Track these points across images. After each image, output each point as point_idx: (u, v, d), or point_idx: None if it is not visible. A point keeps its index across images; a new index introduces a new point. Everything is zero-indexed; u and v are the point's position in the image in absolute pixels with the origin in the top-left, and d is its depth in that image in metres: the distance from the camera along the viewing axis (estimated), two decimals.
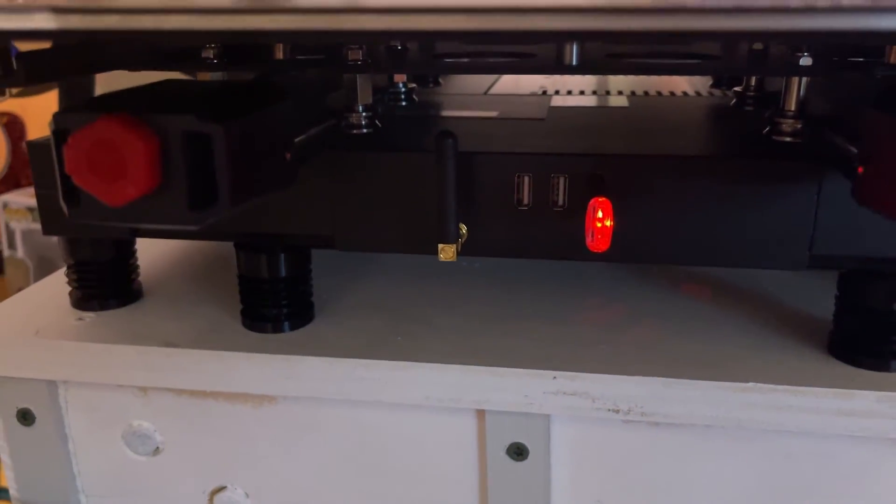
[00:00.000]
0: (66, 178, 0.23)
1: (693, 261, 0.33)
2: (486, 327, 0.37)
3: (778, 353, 0.34)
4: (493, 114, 0.42)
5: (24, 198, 1.06)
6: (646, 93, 0.50)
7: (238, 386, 0.36)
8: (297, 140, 0.28)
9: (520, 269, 0.42)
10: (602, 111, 0.43)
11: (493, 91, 0.51)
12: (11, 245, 0.99)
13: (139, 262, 0.41)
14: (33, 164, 0.34)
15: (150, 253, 0.46)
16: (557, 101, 0.46)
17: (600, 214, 0.28)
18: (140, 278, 0.41)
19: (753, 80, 0.40)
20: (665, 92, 0.50)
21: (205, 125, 0.22)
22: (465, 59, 0.32)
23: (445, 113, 0.43)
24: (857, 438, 0.33)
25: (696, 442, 0.34)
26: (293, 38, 0.29)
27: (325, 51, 0.34)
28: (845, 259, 0.32)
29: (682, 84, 0.54)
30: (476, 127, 0.39)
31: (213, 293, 0.41)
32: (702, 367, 0.33)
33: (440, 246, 0.32)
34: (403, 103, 0.43)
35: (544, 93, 0.49)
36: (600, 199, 0.28)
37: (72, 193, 0.23)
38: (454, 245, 0.32)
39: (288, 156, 0.27)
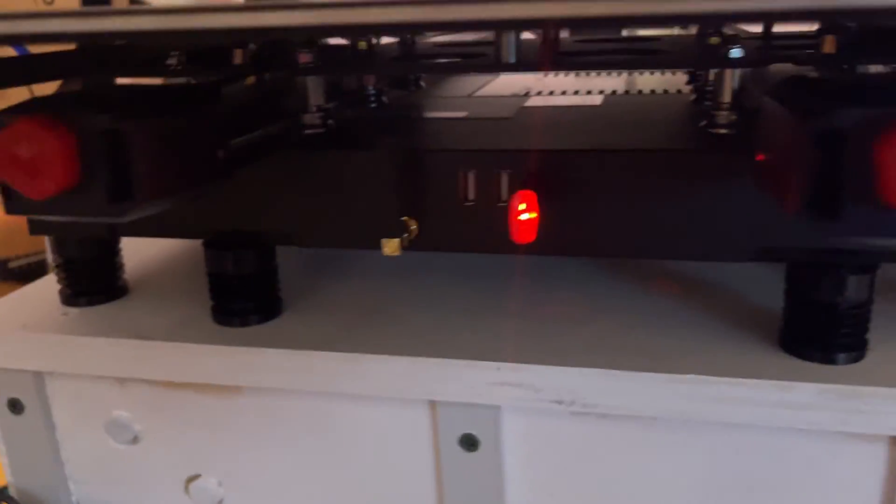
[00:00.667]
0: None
1: (635, 253, 0.34)
2: (444, 321, 0.37)
3: (729, 345, 0.34)
4: (462, 114, 0.43)
5: None
6: (627, 91, 0.50)
7: (204, 377, 0.37)
8: (234, 140, 0.30)
9: (485, 264, 0.43)
10: (570, 110, 0.43)
11: (479, 93, 0.52)
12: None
13: (126, 261, 0.44)
14: None
15: (141, 252, 0.48)
16: (534, 102, 0.47)
17: (522, 206, 0.29)
18: (126, 275, 0.44)
19: (711, 75, 0.40)
20: (647, 91, 0.50)
21: (120, 123, 0.24)
22: (412, 62, 0.34)
23: (412, 114, 0.44)
24: (806, 433, 0.32)
25: (643, 434, 0.34)
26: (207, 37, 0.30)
27: (278, 55, 0.35)
28: (789, 251, 0.32)
29: (672, 83, 0.54)
30: (435, 127, 0.40)
31: (194, 290, 0.43)
32: (646, 360, 0.33)
33: (383, 241, 0.33)
34: (373, 105, 0.44)
35: (526, 94, 0.50)
36: (524, 192, 0.29)
37: (5, 189, 0.25)
38: (397, 240, 0.33)
39: (221, 154, 0.28)
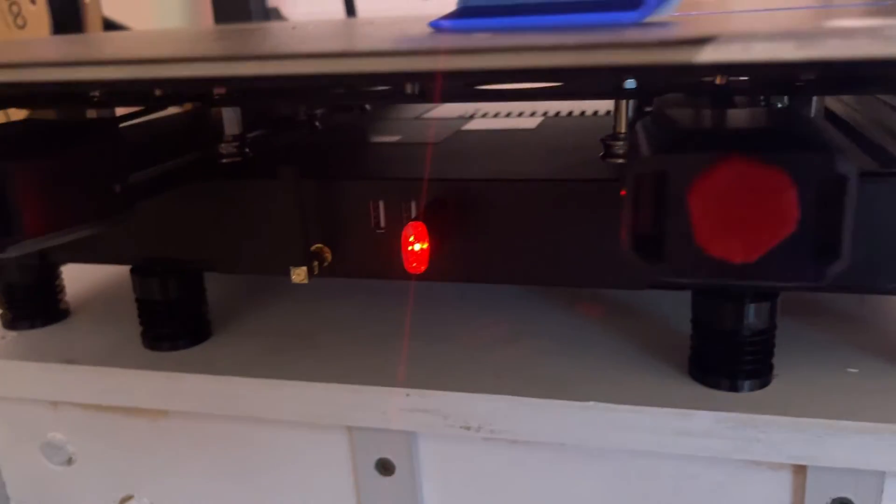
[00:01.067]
0: None
1: (533, 281, 0.34)
2: (360, 347, 0.38)
3: (640, 372, 0.34)
4: (395, 138, 0.44)
5: None
6: (570, 113, 0.50)
7: (131, 401, 0.38)
8: (134, 174, 0.31)
9: (404, 288, 0.43)
10: (499, 135, 0.44)
11: (427, 115, 0.52)
12: None
13: (73, 283, 0.44)
14: None
15: (87, 275, 0.49)
16: (473, 125, 0.47)
17: (412, 238, 0.29)
18: (69, 298, 0.45)
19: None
20: (591, 112, 0.51)
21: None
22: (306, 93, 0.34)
23: (342, 139, 0.44)
24: (710, 460, 0.32)
25: (553, 460, 0.35)
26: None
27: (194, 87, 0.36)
28: (690, 280, 0.32)
29: None
30: (358, 153, 0.40)
31: (131, 313, 0.43)
32: (553, 386, 0.33)
33: (292, 269, 0.34)
34: (306, 131, 0.45)
35: (472, 116, 0.50)
36: (414, 223, 0.29)
37: None
38: (304, 268, 0.34)
39: (118, 189, 0.29)
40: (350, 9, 0.94)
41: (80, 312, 0.44)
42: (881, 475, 0.30)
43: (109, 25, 0.73)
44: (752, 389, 0.32)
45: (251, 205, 0.35)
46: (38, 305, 0.43)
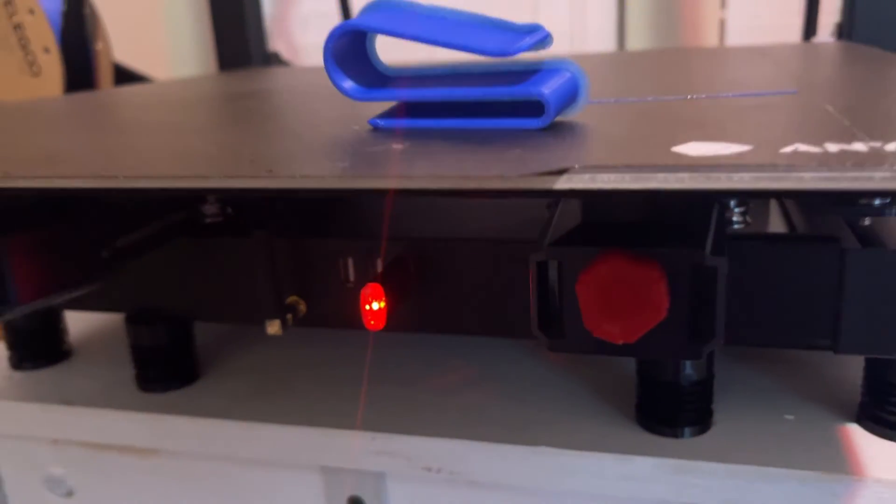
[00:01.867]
0: None
1: (484, 332, 0.36)
2: (333, 391, 0.40)
3: (590, 418, 0.36)
4: None
5: None
6: None
7: (124, 440, 0.41)
8: (121, 239, 0.34)
9: (373, 336, 0.45)
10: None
11: None
12: None
13: (78, 323, 0.48)
14: None
15: (91, 316, 0.52)
16: None
17: (371, 305, 0.32)
18: (72, 339, 0.48)
19: None
20: None
21: None
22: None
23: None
24: (651, 502, 0.35)
25: (510, 501, 0.37)
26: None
27: None
28: (587, 353, 0.35)
29: None
30: (332, 209, 0.43)
31: (128, 356, 0.47)
32: (508, 430, 0.36)
33: (267, 322, 0.37)
34: None
35: None
36: (371, 286, 0.32)
37: None
38: (278, 321, 0.37)
39: (105, 254, 0.32)
40: None
41: (81, 353, 0.48)
42: None
43: (120, 72, 0.77)
44: (692, 436, 0.34)
45: (230, 261, 0.38)
46: (42, 347, 0.46)
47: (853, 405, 0.35)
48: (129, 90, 0.60)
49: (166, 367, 0.42)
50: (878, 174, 0.16)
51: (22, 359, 0.46)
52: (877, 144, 0.18)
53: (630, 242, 0.22)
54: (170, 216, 0.38)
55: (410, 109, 0.26)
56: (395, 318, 0.34)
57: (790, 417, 0.35)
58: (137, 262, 0.36)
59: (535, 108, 0.24)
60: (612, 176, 0.17)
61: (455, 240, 0.35)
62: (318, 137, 0.31)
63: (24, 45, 0.69)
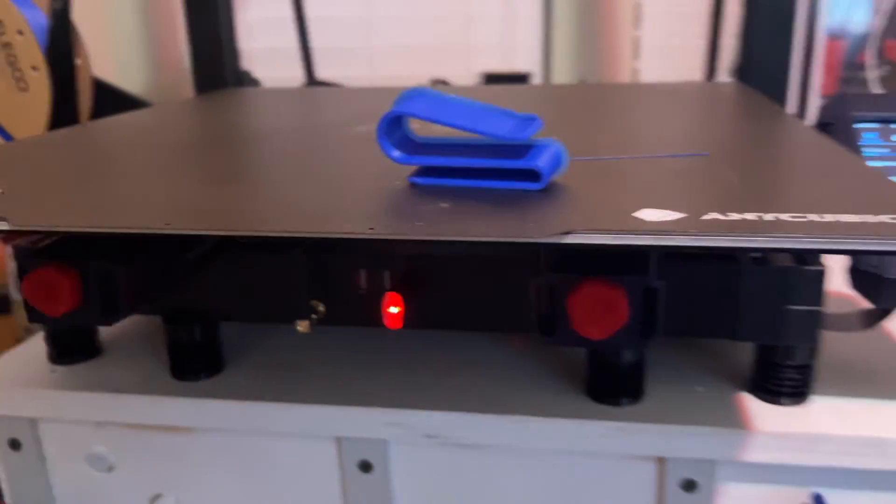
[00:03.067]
0: None
1: (475, 329, 0.46)
2: (350, 374, 0.50)
3: (552, 392, 0.47)
4: None
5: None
6: None
7: (163, 421, 0.49)
8: (189, 254, 0.42)
9: (379, 331, 0.55)
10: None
11: None
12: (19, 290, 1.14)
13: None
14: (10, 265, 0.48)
15: None
16: None
17: (391, 309, 0.41)
18: (101, 337, 0.55)
19: None
20: None
21: (110, 266, 0.36)
22: None
23: None
24: (599, 454, 0.45)
25: (494, 460, 0.47)
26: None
27: None
28: (573, 347, 0.45)
29: None
30: None
31: (154, 350, 0.54)
32: (488, 403, 0.46)
33: (297, 322, 0.46)
34: None
35: None
36: (391, 294, 0.42)
37: (28, 304, 0.37)
38: (307, 321, 0.46)
39: (181, 272, 0.40)
40: (310, 75, 1.06)
41: (111, 349, 0.55)
42: (713, 462, 0.44)
43: (100, 86, 0.83)
44: (628, 405, 0.45)
45: (270, 273, 0.46)
46: (79, 344, 0.54)
47: (745, 379, 0.47)
48: (137, 120, 0.66)
49: (199, 358, 0.50)
50: (760, 238, 0.27)
51: (60, 354, 0.53)
52: (760, 215, 0.29)
53: (603, 270, 0.33)
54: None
55: (440, 171, 0.36)
56: (407, 319, 0.44)
57: (700, 389, 0.47)
58: (184, 273, 0.44)
59: (534, 173, 0.34)
60: (601, 236, 0.27)
61: (449, 257, 0.44)
62: (375, 191, 0.39)
63: (12, 63, 0.74)
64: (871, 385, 0.46)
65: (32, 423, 0.52)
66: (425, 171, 0.37)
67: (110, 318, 0.37)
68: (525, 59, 1.34)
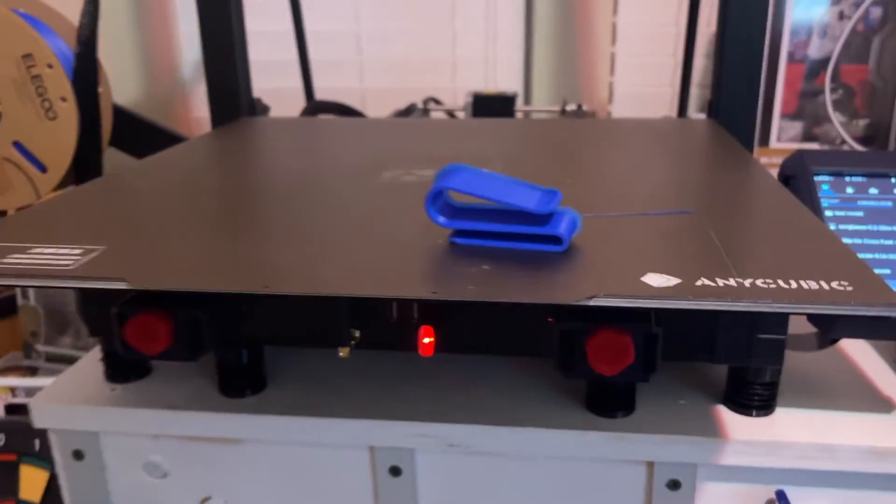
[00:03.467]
0: None
1: (498, 352, 0.54)
2: (378, 391, 0.57)
3: (556, 406, 0.55)
4: None
5: None
6: None
7: (213, 433, 0.56)
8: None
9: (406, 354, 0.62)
10: None
11: None
12: (24, 294, 1.18)
13: None
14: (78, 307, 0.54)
15: None
16: None
17: (425, 340, 0.49)
18: None
19: None
20: None
21: (197, 312, 0.43)
22: None
23: None
24: (596, 459, 0.53)
25: (506, 465, 0.55)
26: None
27: None
28: (588, 380, 0.53)
29: None
30: None
31: (203, 370, 0.61)
32: (504, 417, 0.53)
33: (339, 348, 0.53)
34: None
35: None
36: (424, 327, 0.49)
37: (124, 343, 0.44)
38: (348, 347, 0.53)
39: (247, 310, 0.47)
40: (308, 93, 1.12)
41: (159, 369, 0.62)
42: (695, 465, 0.52)
43: (118, 111, 0.88)
44: (622, 417, 0.53)
45: (316, 307, 0.53)
46: (132, 366, 0.60)
47: (720, 393, 0.55)
48: (179, 163, 0.72)
49: (245, 378, 0.57)
50: (741, 304, 0.35)
51: (115, 374, 0.60)
52: (740, 281, 0.37)
53: (613, 319, 0.40)
54: None
55: (476, 233, 0.43)
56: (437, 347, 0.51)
57: (683, 402, 0.55)
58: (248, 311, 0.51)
59: (556, 238, 0.42)
60: (618, 299, 0.35)
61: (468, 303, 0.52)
62: (422, 249, 0.44)
63: (41, 94, 0.79)
64: (826, 398, 0.55)
65: (95, 436, 0.58)
66: (464, 233, 0.44)
67: (196, 354, 0.43)
68: (507, 73, 1.41)
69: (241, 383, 0.57)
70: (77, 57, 0.80)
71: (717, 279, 0.37)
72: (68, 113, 0.80)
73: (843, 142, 1.22)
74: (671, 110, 1.39)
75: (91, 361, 0.63)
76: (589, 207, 0.49)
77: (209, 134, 0.79)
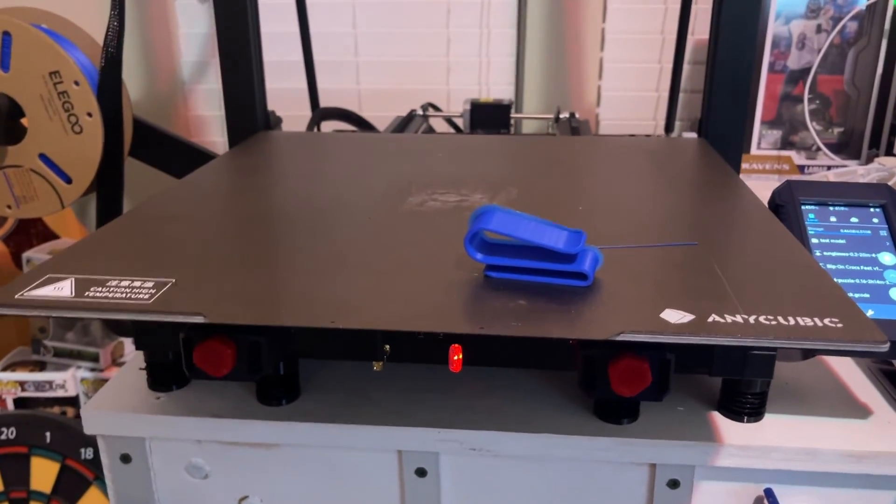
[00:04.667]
0: None
1: (518, 364, 0.59)
2: (405, 399, 0.62)
3: (568, 414, 0.60)
4: None
5: (44, 255, 1.28)
6: None
7: (252, 438, 0.61)
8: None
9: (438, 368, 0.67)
10: None
11: None
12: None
13: None
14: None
15: None
16: None
17: (455, 357, 0.54)
18: None
19: None
20: None
21: (258, 339, 0.48)
22: None
23: None
24: (604, 462, 0.59)
25: (522, 467, 0.60)
26: None
27: None
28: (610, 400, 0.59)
29: None
30: None
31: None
32: (520, 423, 0.59)
33: (374, 362, 0.58)
34: None
35: None
36: (454, 346, 0.54)
37: (191, 365, 0.48)
38: (381, 361, 0.58)
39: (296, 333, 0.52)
40: (314, 99, 1.16)
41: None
42: (693, 466, 0.58)
43: (138, 123, 0.92)
44: (628, 423, 0.59)
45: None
46: (174, 375, 0.65)
47: (715, 401, 0.61)
48: (212, 188, 0.77)
49: (282, 387, 0.62)
50: (748, 340, 0.40)
51: (157, 383, 0.64)
52: (745, 317, 0.42)
53: (633, 347, 0.46)
54: None
55: (509, 268, 0.49)
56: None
57: (682, 409, 0.61)
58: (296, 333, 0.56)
59: (581, 274, 0.47)
60: (641, 335, 0.41)
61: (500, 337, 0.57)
62: (460, 282, 0.50)
63: (67, 109, 0.82)
64: (810, 406, 0.61)
65: (141, 441, 0.63)
66: (498, 268, 0.49)
67: (255, 375, 0.48)
68: (499, 75, 1.46)
69: (277, 392, 0.62)
70: (102, 73, 0.83)
71: (726, 315, 0.43)
72: (93, 127, 0.83)
73: (819, 149, 1.29)
74: (657, 114, 1.45)
75: (132, 371, 0.67)
76: (601, 234, 0.55)
77: (234, 152, 0.83)
